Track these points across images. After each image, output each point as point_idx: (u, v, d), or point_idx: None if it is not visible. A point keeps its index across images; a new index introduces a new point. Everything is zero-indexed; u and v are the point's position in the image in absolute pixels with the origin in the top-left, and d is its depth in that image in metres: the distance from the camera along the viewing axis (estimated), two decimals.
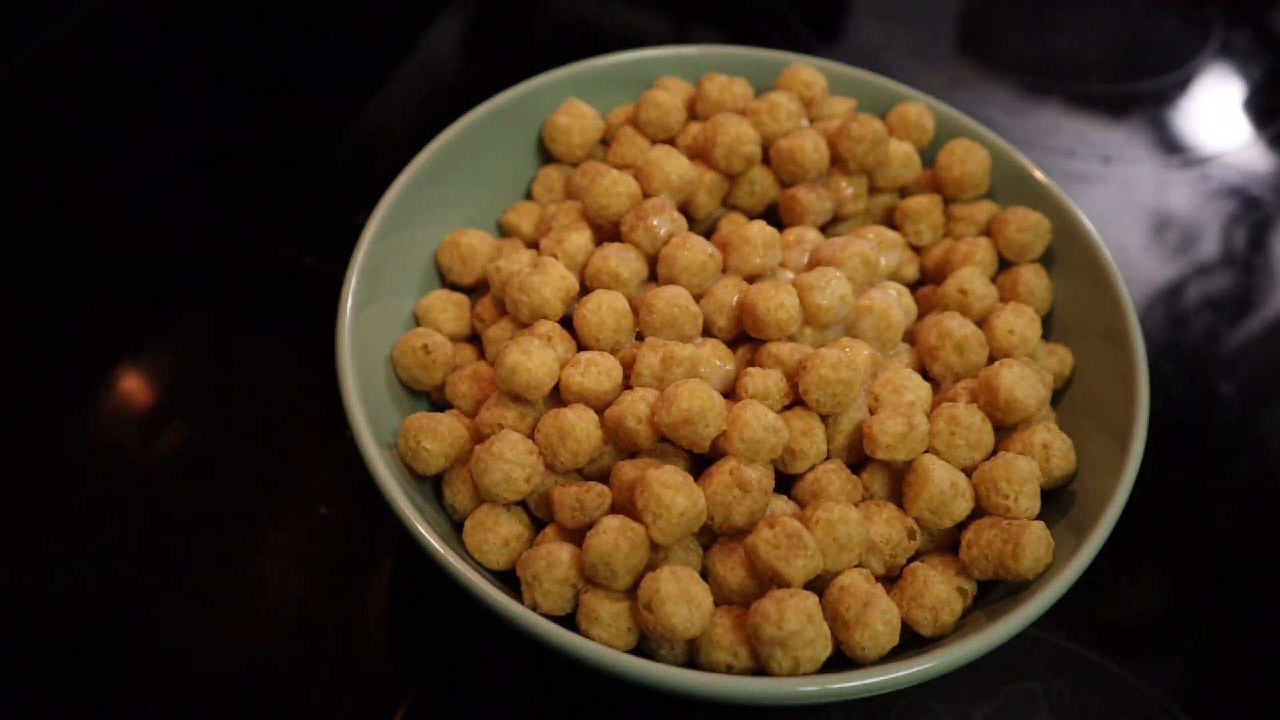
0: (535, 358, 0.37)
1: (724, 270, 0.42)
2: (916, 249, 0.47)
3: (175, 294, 0.53)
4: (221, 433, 0.48)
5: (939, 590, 0.36)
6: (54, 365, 0.50)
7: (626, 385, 0.39)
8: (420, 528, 0.35)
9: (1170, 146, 0.65)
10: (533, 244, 0.46)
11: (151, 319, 0.52)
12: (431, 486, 0.40)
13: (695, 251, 0.41)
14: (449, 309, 0.44)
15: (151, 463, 0.47)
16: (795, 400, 0.39)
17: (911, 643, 0.36)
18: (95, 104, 0.62)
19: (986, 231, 0.47)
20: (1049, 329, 0.45)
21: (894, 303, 0.42)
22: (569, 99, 0.48)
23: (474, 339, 0.44)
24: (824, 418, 0.38)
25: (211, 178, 0.58)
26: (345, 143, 0.62)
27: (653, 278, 0.43)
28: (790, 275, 0.42)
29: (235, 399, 0.49)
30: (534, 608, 0.35)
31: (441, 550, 0.34)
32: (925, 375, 0.42)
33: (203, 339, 0.52)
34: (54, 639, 0.41)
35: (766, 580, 0.35)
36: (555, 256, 0.42)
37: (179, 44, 0.66)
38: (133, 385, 0.50)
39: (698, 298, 0.41)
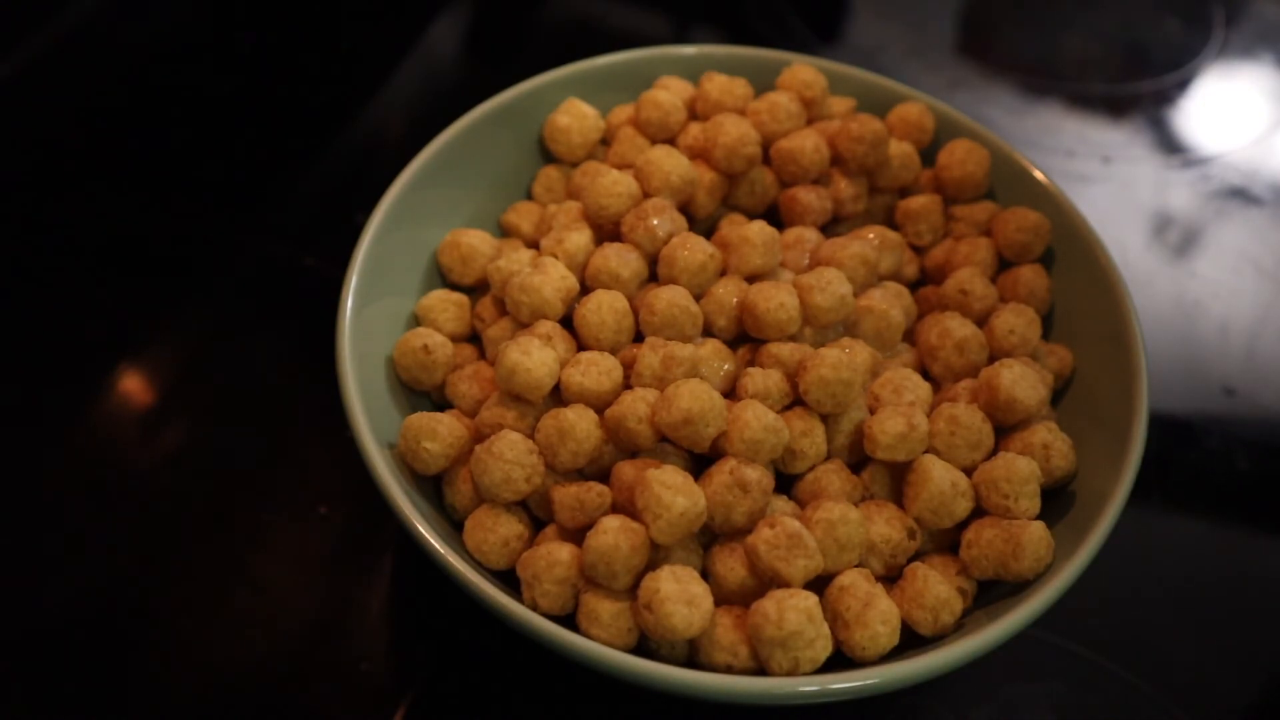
0: (535, 358, 0.37)
1: (724, 270, 0.42)
2: (916, 249, 0.47)
3: (175, 294, 0.53)
4: (221, 433, 0.48)
5: (939, 590, 0.36)
6: (54, 365, 0.50)
7: (627, 385, 0.39)
8: (420, 528, 0.35)
9: (1170, 146, 0.65)
10: (533, 244, 0.46)
11: (151, 319, 0.52)
12: (432, 486, 0.40)
13: (695, 251, 0.41)
14: (449, 309, 0.44)
15: (151, 463, 0.47)
16: (795, 400, 0.39)
17: (911, 643, 0.36)
18: (95, 103, 0.62)
19: (986, 231, 0.47)
20: (1049, 329, 0.45)
21: (894, 303, 0.42)
22: (569, 99, 0.48)
23: (474, 339, 0.44)
24: (824, 418, 0.38)
25: (211, 177, 0.58)
26: (345, 143, 0.62)
27: (653, 278, 0.43)
28: (790, 275, 0.42)
29: (235, 399, 0.49)
30: (534, 607, 0.35)
31: (441, 550, 0.34)
32: (925, 375, 0.42)
33: (203, 339, 0.52)
34: (54, 639, 0.41)
35: (766, 580, 0.35)
36: (555, 256, 0.42)
37: (179, 43, 0.66)
38: (133, 385, 0.50)
39: (698, 298, 0.41)
